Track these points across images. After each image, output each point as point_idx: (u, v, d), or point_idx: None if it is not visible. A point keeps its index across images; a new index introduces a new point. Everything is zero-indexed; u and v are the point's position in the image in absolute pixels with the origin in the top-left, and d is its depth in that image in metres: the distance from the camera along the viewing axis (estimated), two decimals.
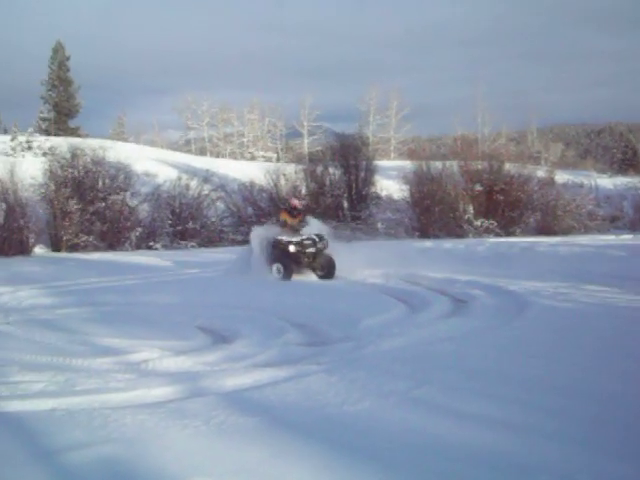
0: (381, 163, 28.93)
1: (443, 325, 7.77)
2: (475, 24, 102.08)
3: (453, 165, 24.09)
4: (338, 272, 12.37)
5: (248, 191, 23.88)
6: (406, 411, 4.54)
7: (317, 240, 12.60)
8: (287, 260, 12.37)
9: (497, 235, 22.19)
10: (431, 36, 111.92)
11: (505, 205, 23.21)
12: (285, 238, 12.53)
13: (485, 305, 9.02)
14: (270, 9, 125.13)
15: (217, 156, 63.93)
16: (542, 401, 4.72)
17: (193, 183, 23.63)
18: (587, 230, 24.76)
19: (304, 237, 12.57)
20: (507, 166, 24.29)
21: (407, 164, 25.76)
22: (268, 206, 23.11)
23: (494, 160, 24.50)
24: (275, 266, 12.35)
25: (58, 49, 61.32)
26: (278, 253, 12.50)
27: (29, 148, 33.29)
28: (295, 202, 13.84)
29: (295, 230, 12.88)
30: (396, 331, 7.38)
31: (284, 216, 13.22)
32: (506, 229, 22.86)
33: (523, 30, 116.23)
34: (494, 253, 16.34)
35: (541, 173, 27.35)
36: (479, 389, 5.03)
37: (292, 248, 12.35)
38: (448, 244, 18.41)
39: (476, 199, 23.23)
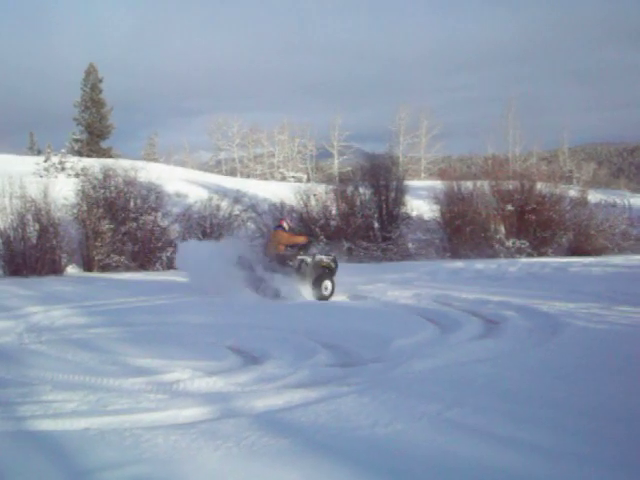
0: (411, 183, 28.81)
1: (475, 346, 7.70)
2: (507, 44, 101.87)
3: (484, 185, 23.97)
4: (369, 293, 12.40)
5: (279, 211, 23.93)
6: (438, 433, 4.51)
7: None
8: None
9: (529, 255, 21.97)
10: (462, 56, 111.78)
11: (537, 225, 22.99)
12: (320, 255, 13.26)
13: (517, 326, 8.92)
14: (301, 31, 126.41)
15: (247, 177, 64.36)
16: (576, 424, 4.66)
17: (224, 204, 23.73)
18: (620, 250, 24.40)
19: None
20: (539, 186, 24.07)
21: (438, 184, 25.64)
22: (298, 226, 23.15)
23: (525, 180, 24.29)
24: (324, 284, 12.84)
25: (91, 71, 62.47)
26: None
27: (62, 169, 33.76)
28: (285, 222, 14.18)
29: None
30: (427, 352, 7.33)
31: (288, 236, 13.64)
32: (538, 249, 22.62)
33: (555, 49, 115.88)
34: (526, 273, 16.20)
35: (573, 193, 27.11)
36: (512, 411, 4.98)
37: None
38: (479, 264, 18.28)
39: (507, 219, 23.05)
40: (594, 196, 30.54)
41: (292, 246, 13.44)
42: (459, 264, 18.71)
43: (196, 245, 14.52)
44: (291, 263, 13.03)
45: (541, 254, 22.28)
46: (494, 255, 21.58)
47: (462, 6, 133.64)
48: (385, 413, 4.95)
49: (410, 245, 23.42)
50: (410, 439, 4.42)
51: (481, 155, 58.21)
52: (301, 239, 13.83)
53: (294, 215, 23.56)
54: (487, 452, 4.14)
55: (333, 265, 13.43)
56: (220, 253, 13.22)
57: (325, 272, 13.11)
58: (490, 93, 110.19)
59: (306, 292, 12.64)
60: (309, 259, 13.21)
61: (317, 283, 12.81)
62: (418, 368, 6.55)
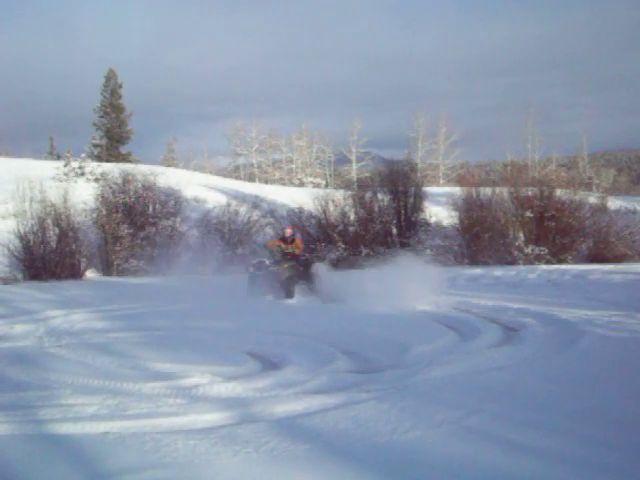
0: (430, 189, 28.76)
1: (494, 354, 7.64)
2: (525, 50, 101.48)
3: (503, 191, 23.82)
4: (388, 300, 12.36)
5: (297, 217, 23.95)
6: (458, 441, 4.49)
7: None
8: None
9: (548, 262, 21.78)
10: (480, 62, 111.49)
11: (556, 232, 22.79)
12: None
13: (537, 334, 8.85)
14: (320, 36, 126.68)
15: (266, 182, 64.52)
16: (597, 433, 4.61)
17: (242, 209, 23.81)
18: None
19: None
20: (558, 192, 23.86)
21: (456, 190, 25.54)
22: (317, 232, 23.16)
23: (545, 186, 24.09)
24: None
25: (110, 77, 63.01)
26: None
27: (82, 174, 34.02)
28: (289, 231, 15.46)
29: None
30: (446, 359, 7.29)
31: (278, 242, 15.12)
32: (557, 256, 22.42)
33: (574, 55, 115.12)
34: (545, 280, 16.07)
35: (593, 199, 26.84)
36: (532, 420, 4.94)
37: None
38: (498, 271, 18.16)
39: (526, 226, 22.88)
40: (614, 203, 30.24)
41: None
42: (478, 270, 18.62)
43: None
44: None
45: (560, 261, 22.09)
46: (513, 262, 21.44)
47: (481, 14, 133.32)
48: (404, 420, 4.93)
49: (428, 251, 23.30)
50: (430, 446, 4.40)
51: (500, 161, 58.11)
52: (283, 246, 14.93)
53: (312, 221, 23.57)
54: (507, 461, 4.11)
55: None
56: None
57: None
58: (509, 99, 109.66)
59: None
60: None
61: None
62: (437, 375, 6.53)
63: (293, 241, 14.96)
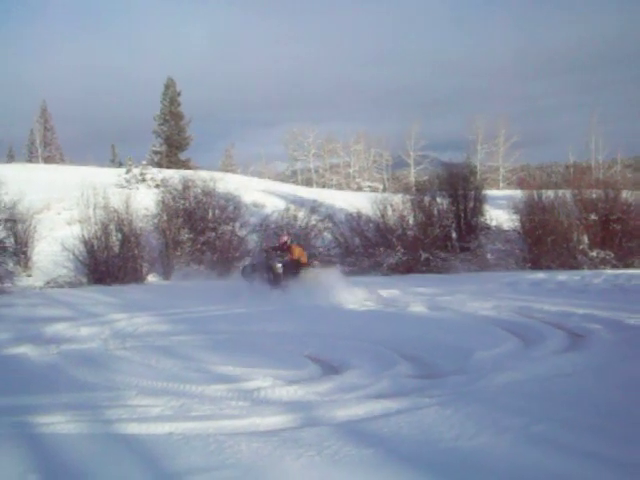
0: (490, 192, 28.32)
1: (560, 360, 7.46)
2: (588, 48, 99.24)
3: (566, 194, 23.31)
4: (448, 304, 12.28)
5: (355, 221, 23.90)
6: (525, 448, 4.38)
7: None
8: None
9: (614, 267, 21.20)
10: (542, 62, 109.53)
11: (622, 235, 22.19)
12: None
13: (604, 340, 8.60)
14: (376, 41, 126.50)
15: (323, 187, 64.71)
16: None
17: (301, 214, 23.89)
18: None
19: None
20: (624, 194, 23.25)
21: (517, 193, 25.12)
22: (375, 236, 23.07)
23: (610, 188, 23.49)
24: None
25: (169, 85, 64.28)
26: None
27: (143, 180, 34.65)
28: (283, 238, 16.49)
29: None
30: (510, 365, 7.14)
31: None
32: (623, 260, 21.81)
33: (638, 53, 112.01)
34: (611, 285, 15.65)
35: None
36: (600, 427, 4.80)
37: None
38: (562, 276, 17.76)
39: (591, 229, 22.35)
40: None
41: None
42: (540, 275, 18.26)
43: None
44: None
45: (627, 265, 21.48)
46: (577, 266, 20.94)
47: (541, 12, 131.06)
48: (469, 426, 4.85)
49: (489, 255, 22.99)
50: (495, 453, 4.31)
51: (562, 163, 56.97)
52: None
53: (371, 225, 23.49)
54: (575, 469, 4.01)
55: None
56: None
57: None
58: (571, 99, 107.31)
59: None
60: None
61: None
62: (501, 381, 6.40)
63: (288, 248, 15.91)
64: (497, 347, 8.19)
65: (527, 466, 4.07)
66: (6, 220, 18.54)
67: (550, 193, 23.34)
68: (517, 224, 23.16)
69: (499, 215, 24.55)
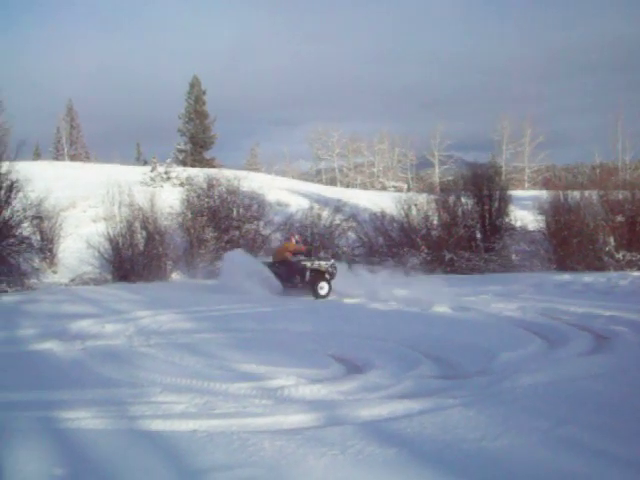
0: (515, 193, 28.09)
1: (585, 362, 7.39)
2: (616, 47, 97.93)
3: (592, 195, 23.07)
4: (472, 304, 12.23)
5: (379, 221, 23.83)
6: (550, 450, 4.35)
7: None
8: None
9: None
10: (568, 62, 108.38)
11: None
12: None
13: (630, 342, 8.51)
14: (400, 40, 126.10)
15: (347, 186, 64.57)
16: None
17: (325, 213, 23.84)
18: None
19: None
20: None
21: (542, 194, 24.90)
22: (399, 236, 23.01)
23: (637, 189, 23.21)
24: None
25: (194, 84, 64.54)
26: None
27: (168, 178, 34.77)
28: (295, 238, 17.22)
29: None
30: (535, 367, 7.09)
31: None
32: None
33: None
34: (638, 287, 15.47)
35: None
36: (626, 430, 4.76)
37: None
38: (587, 277, 17.57)
39: (617, 230, 22.08)
40: None
41: (296, 254, 16.10)
42: (566, 276, 18.10)
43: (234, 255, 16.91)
44: (296, 267, 15.67)
45: None
46: (603, 268, 20.71)
47: (568, 11, 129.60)
48: (493, 427, 4.82)
49: (514, 256, 22.81)
50: (519, 455, 4.29)
51: (588, 164, 56.35)
52: (303, 248, 16.72)
53: (395, 225, 23.42)
54: (600, 471, 3.97)
55: (331, 270, 15.76)
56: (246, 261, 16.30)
57: (322, 275, 15.49)
58: (598, 100, 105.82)
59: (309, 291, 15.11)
60: (309, 264, 15.65)
61: (315, 284, 15.17)
62: (526, 383, 6.34)
63: (308, 251, 16.81)
64: (521, 348, 8.13)
65: (552, 468, 4.04)
66: (33, 217, 18.66)
67: (576, 194, 23.10)
68: (542, 225, 22.95)
69: (524, 216, 24.36)
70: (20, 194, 17.40)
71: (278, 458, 4.19)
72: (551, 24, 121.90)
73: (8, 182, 16.99)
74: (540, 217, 23.12)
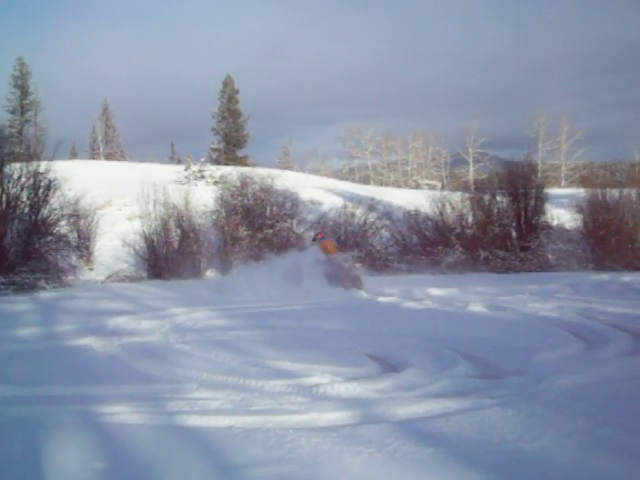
0: (551, 191, 27.67)
1: (625, 364, 7.25)
2: None
3: (631, 193, 22.67)
4: (508, 304, 12.10)
5: (413, 219, 23.67)
6: (589, 453, 4.28)
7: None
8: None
9: None
10: (606, 57, 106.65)
11: None
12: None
13: None
14: (434, 37, 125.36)
15: (380, 184, 64.40)
16: None
17: (358, 211, 23.74)
18: None
19: None
20: None
21: (580, 192, 24.54)
22: (433, 235, 22.85)
23: None
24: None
25: (228, 83, 65.06)
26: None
27: (201, 177, 35.00)
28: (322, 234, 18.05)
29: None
30: (573, 368, 6.98)
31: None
32: None
33: None
34: None
35: None
36: None
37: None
38: (626, 277, 17.26)
39: None
40: None
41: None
42: (604, 276, 17.80)
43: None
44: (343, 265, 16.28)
45: None
46: None
47: (606, 7, 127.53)
48: (531, 428, 4.76)
49: (550, 255, 22.49)
50: (558, 457, 4.22)
51: (627, 161, 55.48)
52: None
53: (429, 223, 23.28)
54: None
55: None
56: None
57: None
58: (636, 96, 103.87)
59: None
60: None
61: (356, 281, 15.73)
62: (564, 384, 6.25)
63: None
64: (559, 349, 8.03)
65: (592, 471, 3.98)
66: (70, 215, 18.93)
67: (614, 192, 22.73)
68: (580, 223, 22.63)
69: (561, 214, 24.02)
70: (58, 193, 17.64)
71: (314, 455, 4.19)
72: (589, 20, 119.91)
73: (46, 181, 17.22)
74: (577, 215, 22.81)
